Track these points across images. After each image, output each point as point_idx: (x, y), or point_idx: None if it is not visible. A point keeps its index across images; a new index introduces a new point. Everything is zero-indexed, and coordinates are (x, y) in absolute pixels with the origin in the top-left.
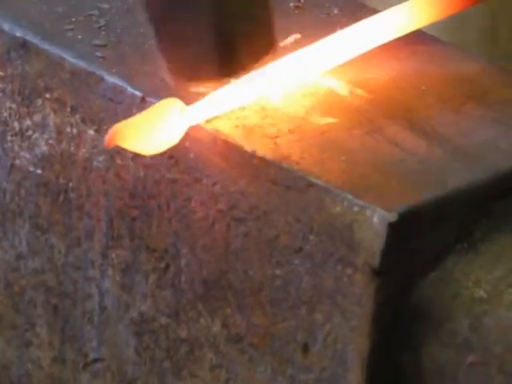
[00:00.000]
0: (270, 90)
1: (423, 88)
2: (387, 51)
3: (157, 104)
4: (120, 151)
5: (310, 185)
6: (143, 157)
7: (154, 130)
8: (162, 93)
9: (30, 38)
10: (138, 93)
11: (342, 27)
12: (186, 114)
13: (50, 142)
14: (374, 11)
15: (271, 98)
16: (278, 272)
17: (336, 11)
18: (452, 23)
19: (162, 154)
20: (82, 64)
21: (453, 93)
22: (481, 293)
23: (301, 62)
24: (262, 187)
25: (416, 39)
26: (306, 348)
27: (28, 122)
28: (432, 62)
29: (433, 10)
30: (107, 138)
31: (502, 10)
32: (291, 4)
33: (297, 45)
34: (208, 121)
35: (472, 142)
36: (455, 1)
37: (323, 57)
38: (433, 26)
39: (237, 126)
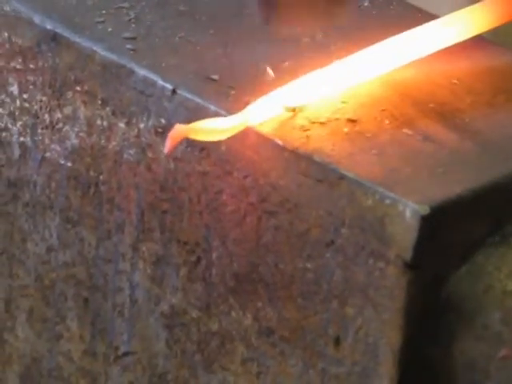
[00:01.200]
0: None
1: (454, 81)
2: None
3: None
4: (151, 144)
5: (342, 178)
6: (174, 149)
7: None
8: (193, 85)
9: (61, 30)
10: (168, 85)
11: (372, 20)
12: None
13: (81, 134)
14: (404, 4)
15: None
16: (309, 265)
17: (366, 3)
18: None
19: (192, 147)
20: (113, 57)
21: (484, 86)
22: None
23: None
24: (293, 180)
25: None
26: (337, 341)
27: (58, 115)
28: (463, 54)
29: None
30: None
31: None
32: None
33: (328, 39)
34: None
35: (503, 135)
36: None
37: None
38: None
39: (268, 118)
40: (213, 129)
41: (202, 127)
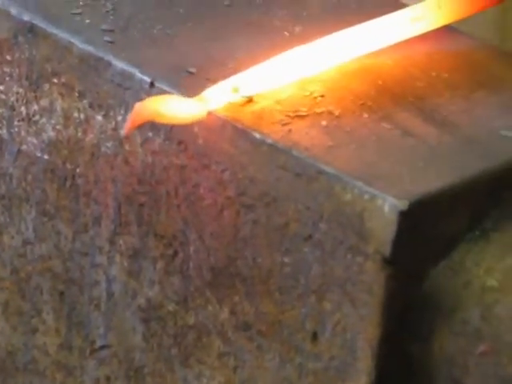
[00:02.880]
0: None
1: (433, 74)
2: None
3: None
4: (129, 137)
5: (320, 172)
6: (152, 142)
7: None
8: (171, 78)
9: (38, 22)
10: (146, 78)
11: (350, 12)
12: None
13: (58, 127)
14: None
15: (282, 85)
16: (287, 260)
17: None
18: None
19: (170, 140)
20: (90, 49)
21: (463, 80)
22: (492, 281)
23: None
24: (272, 174)
25: None
26: (314, 336)
27: (35, 107)
28: (442, 48)
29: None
30: (132, 114)
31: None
32: None
33: (307, 31)
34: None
35: (483, 130)
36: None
37: (340, 48)
38: None
39: (246, 112)
40: (171, 112)
41: (160, 110)
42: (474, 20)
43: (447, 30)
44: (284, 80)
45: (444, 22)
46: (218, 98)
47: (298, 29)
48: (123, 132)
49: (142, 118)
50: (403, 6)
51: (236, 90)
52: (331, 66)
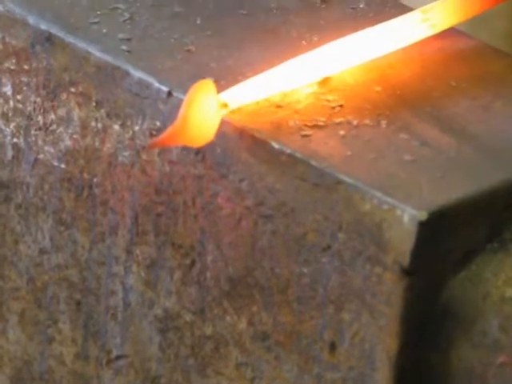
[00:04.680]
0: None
1: (452, 84)
2: (413, 46)
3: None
4: (146, 146)
5: (339, 182)
6: (169, 152)
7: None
8: (189, 88)
9: (55, 31)
10: (164, 88)
11: (368, 22)
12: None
13: (75, 136)
14: (401, 5)
15: (299, 93)
16: (305, 270)
17: (362, 5)
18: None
19: (187, 150)
20: (108, 58)
21: (481, 90)
22: (511, 292)
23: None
24: (290, 184)
25: (443, 34)
26: (333, 347)
27: (52, 116)
28: (460, 58)
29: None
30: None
31: None
32: None
33: (325, 40)
34: (236, 115)
35: (501, 140)
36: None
37: (351, 53)
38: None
39: (265, 121)
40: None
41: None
42: (487, 26)
43: (461, 37)
44: (298, 85)
45: (454, 22)
46: (238, 102)
47: (315, 38)
48: (147, 142)
49: (171, 142)
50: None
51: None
52: (347, 69)
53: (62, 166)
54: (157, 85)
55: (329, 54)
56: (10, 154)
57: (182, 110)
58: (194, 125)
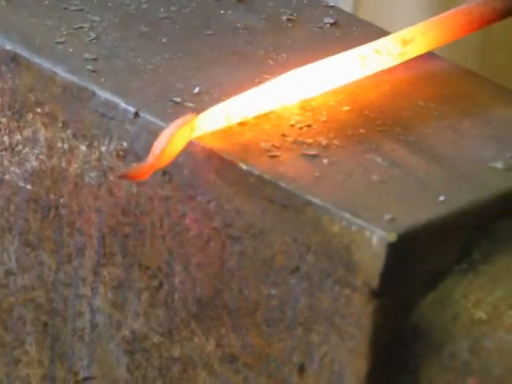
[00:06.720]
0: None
1: (421, 104)
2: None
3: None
4: (113, 167)
5: (307, 203)
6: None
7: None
8: (156, 108)
9: (21, 51)
10: (131, 108)
11: (335, 41)
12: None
13: (41, 157)
14: (367, 24)
15: (268, 114)
16: (273, 292)
17: (329, 25)
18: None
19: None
20: (74, 78)
21: (449, 109)
22: (481, 314)
23: (301, 80)
24: (258, 205)
25: None
26: (302, 369)
27: (18, 137)
28: (428, 77)
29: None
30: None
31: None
32: (284, 17)
33: (291, 59)
34: (202, 137)
35: (470, 161)
36: (456, 28)
37: (321, 78)
38: None
39: (233, 143)
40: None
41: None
42: (453, 44)
43: (430, 57)
44: (269, 108)
45: (428, 48)
46: (206, 126)
47: (282, 57)
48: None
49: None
50: (387, 34)
51: (228, 118)
52: (314, 94)
53: (28, 186)
54: (123, 105)
55: (295, 81)
56: None
57: (161, 145)
58: (170, 158)
